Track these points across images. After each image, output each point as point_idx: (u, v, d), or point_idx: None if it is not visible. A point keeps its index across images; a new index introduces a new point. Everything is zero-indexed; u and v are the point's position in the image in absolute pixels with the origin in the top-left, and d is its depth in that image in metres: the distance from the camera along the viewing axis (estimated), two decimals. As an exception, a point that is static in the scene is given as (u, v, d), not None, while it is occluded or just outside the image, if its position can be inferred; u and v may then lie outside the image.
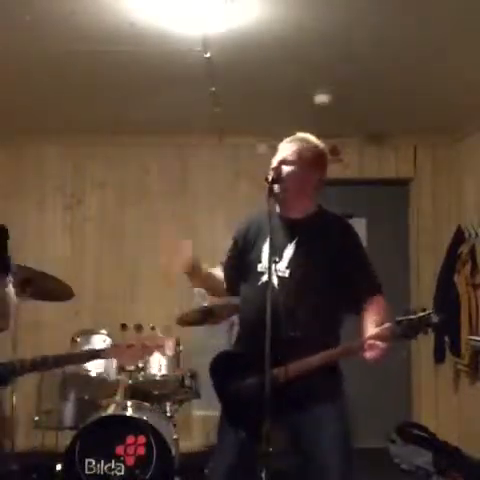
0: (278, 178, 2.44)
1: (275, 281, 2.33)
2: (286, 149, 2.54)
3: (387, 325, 2.29)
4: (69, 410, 3.90)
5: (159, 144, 5.22)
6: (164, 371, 3.91)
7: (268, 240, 2.36)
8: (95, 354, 2.37)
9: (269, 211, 2.37)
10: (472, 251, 4.67)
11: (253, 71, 3.78)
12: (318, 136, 2.30)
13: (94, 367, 3.78)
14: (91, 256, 5.24)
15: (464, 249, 4.75)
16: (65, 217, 5.27)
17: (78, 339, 3.98)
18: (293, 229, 2.45)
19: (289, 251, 2.42)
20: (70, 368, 3.75)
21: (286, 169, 2.48)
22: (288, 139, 2.59)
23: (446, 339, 4.86)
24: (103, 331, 4.08)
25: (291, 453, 2.44)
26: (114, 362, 3.93)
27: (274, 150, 2.45)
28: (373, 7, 2.96)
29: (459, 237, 4.84)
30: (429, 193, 5.31)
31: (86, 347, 3.92)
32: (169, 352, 2.18)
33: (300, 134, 2.58)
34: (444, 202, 5.23)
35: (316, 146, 2.55)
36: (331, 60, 3.60)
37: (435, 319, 2.30)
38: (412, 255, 5.35)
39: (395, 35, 3.27)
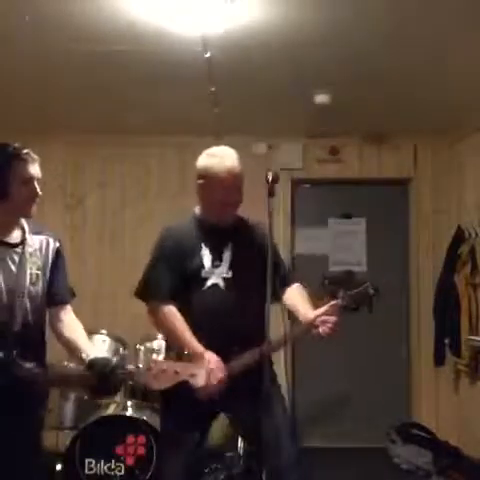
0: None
1: (220, 283, 2.58)
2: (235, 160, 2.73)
3: (334, 301, 2.52)
4: (69, 410, 3.90)
5: (159, 144, 5.22)
6: (164, 371, 3.91)
7: (204, 246, 2.60)
8: (128, 376, 2.36)
9: (269, 212, 2.39)
10: (472, 251, 4.67)
11: (253, 71, 3.78)
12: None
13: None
14: (91, 256, 5.24)
15: (464, 249, 4.75)
16: (65, 217, 5.27)
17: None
18: (225, 234, 2.64)
19: (227, 254, 2.62)
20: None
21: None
22: (227, 152, 2.85)
23: (446, 341, 4.85)
24: (103, 331, 4.08)
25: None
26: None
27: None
28: (373, 7, 2.96)
29: (459, 237, 4.84)
30: (429, 193, 5.30)
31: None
32: (201, 382, 2.17)
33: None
34: (444, 202, 5.23)
35: None
36: (331, 60, 3.59)
37: (371, 291, 2.52)
38: (412, 255, 5.35)
39: (395, 35, 3.27)
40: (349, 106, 4.44)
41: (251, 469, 3.83)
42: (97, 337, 4.01)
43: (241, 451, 3.67)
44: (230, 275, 2.59)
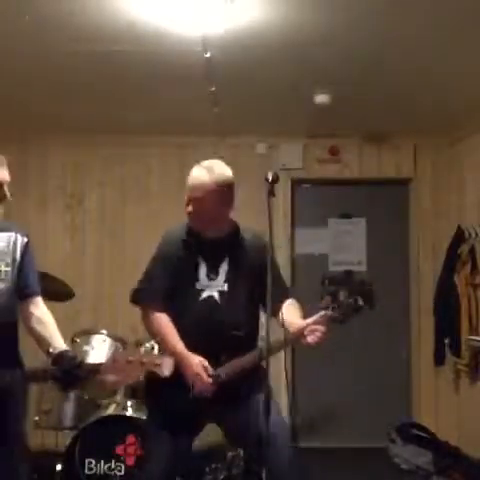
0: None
1: (216, 295, 2.61)
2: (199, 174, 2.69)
3: (323, 312, 2.56)
4: (69, 410, 3.90)
5: (159, 144, 5.22)
6: (164, 371, 3.91)
7: (201, 258, 2.62)
8: (93, 369, 2.34)
9: (269, 212, 2.39)
10: (472, 251, 4.67)
11: (253, 71, 3.78)
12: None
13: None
14: (91, 256, 5.24)
15: (464, 249, 4.75)
16: (65, 217, 5.27)
17: (78, 339, 3.98)
18: (222, 246, 2.66)
19: (224, 267, 2.64)
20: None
21: None
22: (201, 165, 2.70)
23: (446, 341, 4.86)
24: (103, 331, 4.08)
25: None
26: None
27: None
28: (373, 7, 2.96)
29: (459, 237, 4.83)
30: (429, 193, 5.31)
31: (86, 347, 3.92)
32: (167, 371, 2.18)
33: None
34: (444, 202, 5.23)
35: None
36: (331, 60, 3.59)
37: (361, 302, 2.57)
38: (412, 255, 5.35)
39: (395, 35, 3.27)
40: (349, 106, 4.44)
41: (251, 469, 3.83)
42: (97, 337, 4.01)
43: (241, 451, 3.67)
44: (226, 288, 2.62)
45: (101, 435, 3.52)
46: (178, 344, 2.55)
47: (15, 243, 2.42)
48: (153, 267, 2.70)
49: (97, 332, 4.05)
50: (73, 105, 4.44)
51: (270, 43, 3.35)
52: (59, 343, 2.36)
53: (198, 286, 2.62)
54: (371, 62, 3.63)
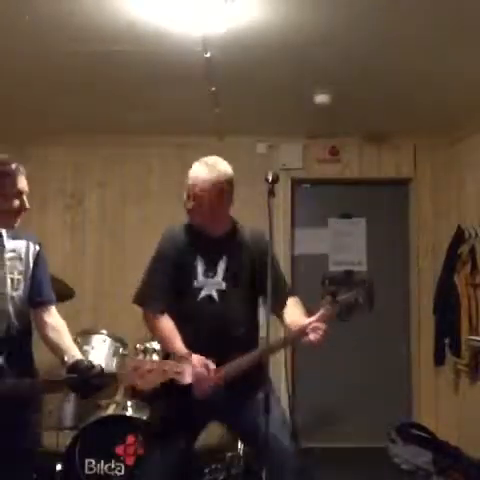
0: None
1: (214, 294, 2.60)
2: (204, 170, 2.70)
3: (323, 310, 2.54)
4: (69, 410, 3.90)
5: (159, 144, 5.22)
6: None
7: (199, 256, 2.61)
8: (113, 378, 2.33)
9: (269, 212, 2.40)
10: (472, 251, 4.67)
11: (253, 71, 3.78)
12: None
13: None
14: (91, 256, 5.24)
15: (464, 249, 4.75)
16: (65, 217, 5.27)
17: (78, 339, 3.98)
18: (220, 244, 2.65)
19: (222, 266, 2.62)
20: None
21: None
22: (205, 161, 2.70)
23: (446, 341, 4.86)
24: (103, 331, 4.08)
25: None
26: (114, 361, 3.93)
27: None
28: (373, 7, 2.96)
29: (459, 237, 4.84)
30: (429, 193, 5.31)
31: (86, 347, 3.92)
32: (188, 379, 2.16)
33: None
34: (444, 202, 5.23)
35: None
36: (331, 60, 3.59)
37: (361, 300, 2.56)
38: (412, 255, 5.35)
39: (395, 35, 3.27)
40: (349, 106, 4.44)
41: (251, 469, 3.83)
42: (97, 337, 4.01)
43: (241, 451, 3.67)
44: (224, 287, 2.60)
45: (101, 435, 3.53)
46: (179, 345, 2.52)
47: (28, 251, 2.40)
48: (154, 268, 2.69)
49: (97, 332, 4.05)
50: (73, 105, 4.43)
51: (270, 43, 3.35)
52: (74, 351, 2.36)
53: (196, 284, 2.61)
54: (371, 62, 3.63)
